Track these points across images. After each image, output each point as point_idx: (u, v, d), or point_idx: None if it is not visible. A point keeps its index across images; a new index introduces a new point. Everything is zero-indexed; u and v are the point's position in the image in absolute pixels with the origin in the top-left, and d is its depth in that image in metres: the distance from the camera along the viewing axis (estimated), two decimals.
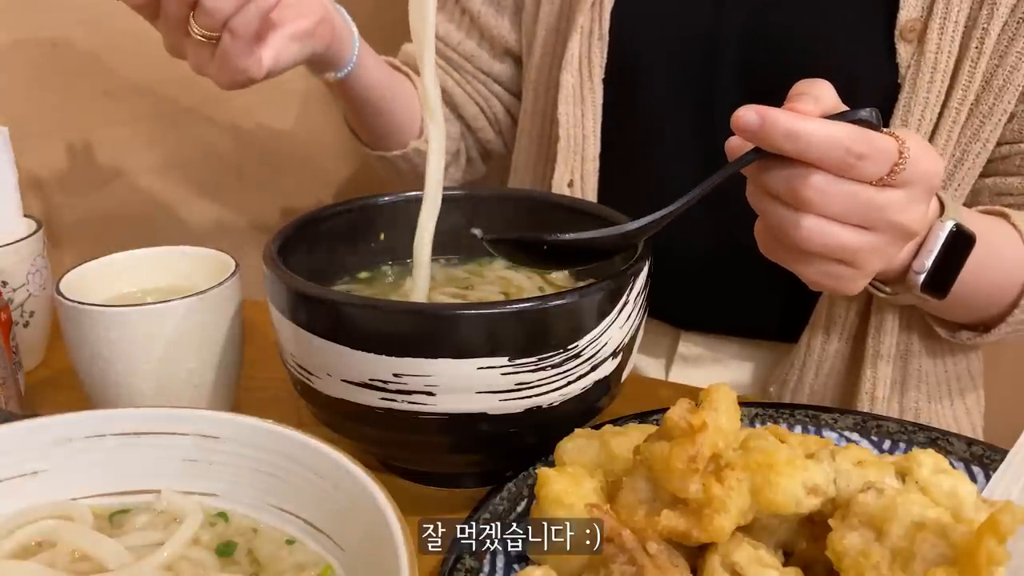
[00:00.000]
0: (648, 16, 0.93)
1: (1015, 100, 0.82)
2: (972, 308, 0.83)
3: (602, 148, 0.95)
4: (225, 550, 0.50)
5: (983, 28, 0.80)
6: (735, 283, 0.96)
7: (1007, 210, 0.81)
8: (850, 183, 0.60)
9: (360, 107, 0.98)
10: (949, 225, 0.70)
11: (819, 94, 0.61)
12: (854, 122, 0.59)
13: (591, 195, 0.95)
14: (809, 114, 0.59)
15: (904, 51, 0.83)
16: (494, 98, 1.11)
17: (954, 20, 0.81)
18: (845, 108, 0.60)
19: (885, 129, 0.61)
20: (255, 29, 0.74)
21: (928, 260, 0.71)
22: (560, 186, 0.95)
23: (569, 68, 0.94)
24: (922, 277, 0.71)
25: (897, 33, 0.82)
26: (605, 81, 0.94)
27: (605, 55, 0.93)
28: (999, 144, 0.85)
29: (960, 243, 0.70)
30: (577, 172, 0.95)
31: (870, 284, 0.77)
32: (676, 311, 1.00)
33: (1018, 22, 0.80)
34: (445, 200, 0.80)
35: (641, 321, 0.68)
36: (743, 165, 0.61)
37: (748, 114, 0.58)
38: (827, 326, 0.90)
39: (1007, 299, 0.80)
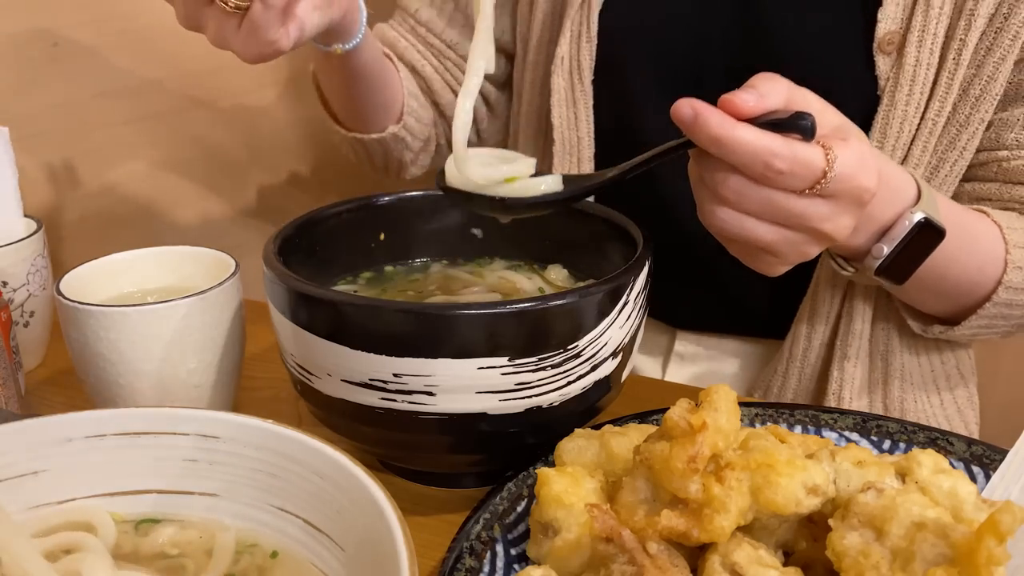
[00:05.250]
0: (634, 19, 0.93)
1: (992, 109, 0.82)
2: (940, 298, 0.83)
3: (597, 148, 0.95)
4: None
5: (960, 39, 0.80)
6: (728, 286, 0.96)
7: (986, 208, 0.81)
8: (768, 189, 0.61)
9: (355, 83, 0.95)
10: (917, 217, 0.70)
11: (767, 91, 0.61)
12: (792, 128, 0.60)
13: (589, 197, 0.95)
14: (748, 112, 0.60)
15: (883, 64, 0.82)
16: None
17: (933, 32, 0.80)
18: (793, 111, 0.61)
19: (827, 135, 0.62)
20: None
21: (888, 247, 0.71)
22: None
23: (559, 71, 0.94)
24: (878, 263, 0.71)
25: (875, 46, 0.82)
26: (595, 83, 0.94)
27: (594, 57, 0.93)
28: (977, 151, 0.85)
29: (926, 235, 0.70)
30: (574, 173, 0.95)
31: (832, 261, 0.78)
32: (672, 312, 1.01)
33: (996, 32, 0.80)
34: (446, 200, 0.80)
35: (641, 321, 0.68)
36: (681, 149, 0.63)
37: (684, 109, 0.60)
38: (810, 326, 0.90)
39: (980, 293, 0.80)
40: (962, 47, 0.80)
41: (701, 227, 0.89)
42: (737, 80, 0.90)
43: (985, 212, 0.81)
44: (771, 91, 0.61)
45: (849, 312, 0.89)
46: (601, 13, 0.93)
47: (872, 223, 0.70)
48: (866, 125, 0.83)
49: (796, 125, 0.60)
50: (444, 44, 1.07)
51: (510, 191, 0.67)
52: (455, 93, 1.09)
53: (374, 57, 0.94)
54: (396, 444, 0.66)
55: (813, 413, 0.68)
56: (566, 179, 0.68)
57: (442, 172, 0.71)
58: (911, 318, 0.87)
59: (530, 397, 0.61)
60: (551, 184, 0.67)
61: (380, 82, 0.98)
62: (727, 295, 0.97)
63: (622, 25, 0.93)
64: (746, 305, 0.98)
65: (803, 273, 0.90)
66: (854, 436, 0.67)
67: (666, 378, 1.02)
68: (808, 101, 0.63)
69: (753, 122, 0.60)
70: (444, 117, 1.10)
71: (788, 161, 0.59)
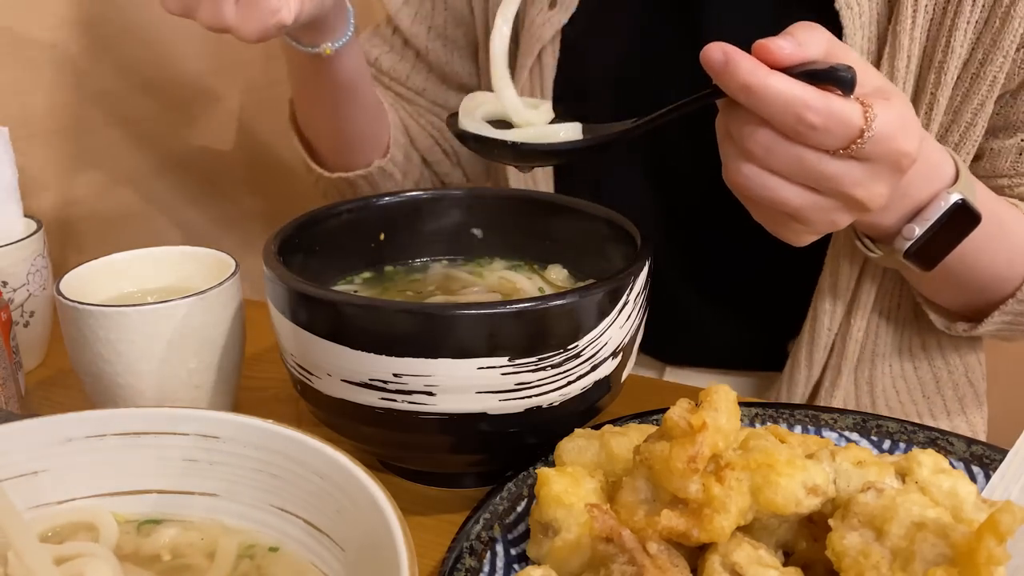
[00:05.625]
0: (588, 80, 0.91)
1: (975, 150, 0.79)
2: (964, 291, 0.79)
3: None
4: None
5: (931, 94, 0.76)
6: (718, 325, 0.95)
7: (1015, 201, 0.79)
8: (798, 147, 0.57)
9: (344, 100, 0.92)
10: (954, 198, 0.66)
11: (805, 39, 0.57)
12: (830, 80, 0.56)
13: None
14: (783, 60, 0.56)
15: None
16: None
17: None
18: (831, 63, 0.57)
19: (867, 94, 0.58)
20: None
21: (920, 228, 0.67)
22: None
23: None
24: (908, 245, 0.67)
25: None
26: None
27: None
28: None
29: (961, 219, 0.66)
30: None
31: (859, 242, 0.75)
32: (662, 350, 0.99)
33: (972, 79, 0.76)
34: (445, 200, 0.81)
35: (641, 321, 0.68)
36: (708, 99, 0.59)
37: (715, 53, 0.56)
38: (808, 361, 0.89)
39: (1006, 289, 0.77)
40: (933, 102, 0.76)
41: (672, 272, 0.88)
42: (700, 137, 0.86)
43: (1016, 205, 0.78)
44: (810, 40, 0.57)
45: (840, 357, 0.86)
46: (555, 78, 0.90)
47: (906, 201, 0.66)
48: None
49: (834, 77, 0.55)
50: (412, 92, 1.06)
51: (525, 137, 0.65)
52: (433, 138, 1.07)
53: (361, 65, 0.92)
54: (396, 444, 0.66)
55: (813, 413, 0.68)
56: (586, 128, 0.65)
57: (455, 116, 0.69)
58: (933, 313, 0.84)
59: (530, 397, 0.61)
60: (570, 132, 0.64)
61: (369, 101, 0.95)
62: (715, 336, 0.96)
63: (575, 88, 0.91)
64: (735, 346, 0.96)
65: (785, 305, 0.89)
66: (854, 436, 0.67)
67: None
68: (849, 56, 0.59)
69: (789, 72, 0.56)
70: (427, 163, 1.08)
71: (822, 115, 0.55)
